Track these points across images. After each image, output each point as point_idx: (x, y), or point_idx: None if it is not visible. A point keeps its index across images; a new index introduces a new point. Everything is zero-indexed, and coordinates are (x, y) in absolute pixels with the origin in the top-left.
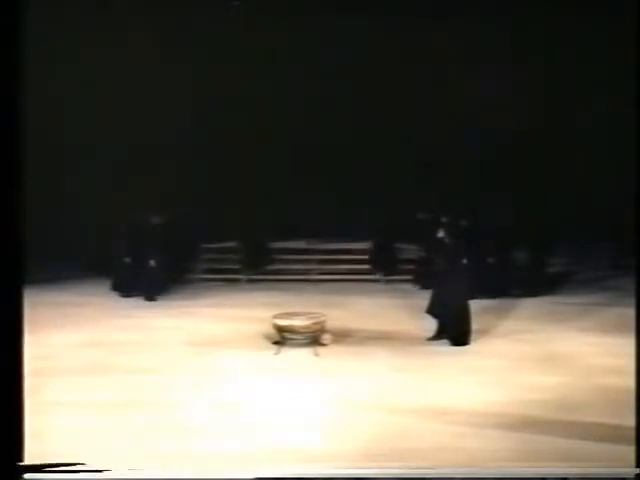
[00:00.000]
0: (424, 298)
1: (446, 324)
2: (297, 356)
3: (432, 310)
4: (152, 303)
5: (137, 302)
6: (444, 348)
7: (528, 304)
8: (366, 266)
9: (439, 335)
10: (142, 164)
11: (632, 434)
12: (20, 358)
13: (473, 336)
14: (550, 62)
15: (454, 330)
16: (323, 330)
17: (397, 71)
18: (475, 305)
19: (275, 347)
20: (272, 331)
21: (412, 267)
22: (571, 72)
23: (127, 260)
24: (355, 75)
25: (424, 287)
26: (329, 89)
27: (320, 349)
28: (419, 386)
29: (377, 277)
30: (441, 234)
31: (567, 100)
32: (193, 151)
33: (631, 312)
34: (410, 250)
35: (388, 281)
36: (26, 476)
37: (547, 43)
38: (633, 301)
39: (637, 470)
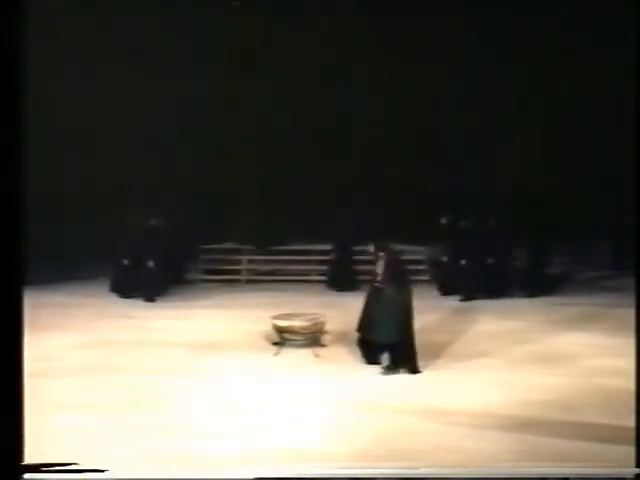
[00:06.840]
0: (424, 298)
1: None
2: (297, 357)
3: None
4: (151, 304)
5: (136, 303)
6: None
7: (528, 304)
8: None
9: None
10: (142, 164)
11: (632, 434)
12: (20, 359)
13: (474, 337)
14: (550, 59)
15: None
16: (323, 331)
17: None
18: (476, 305)
19: (275, 348)
20: (272, 332)
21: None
22: (571, 70)
23: (126, 261)
24: (354, 74)
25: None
26: (329, 89)
27: (320, 350)
28: (419, 386)
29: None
30: (372, 249)
31: (566, 99)
32: (193, 152)
33: (631, 312)
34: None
35: None
36: (26, 476)
37: (548, 42)
38: (633, 301)
39: (637, 470)
